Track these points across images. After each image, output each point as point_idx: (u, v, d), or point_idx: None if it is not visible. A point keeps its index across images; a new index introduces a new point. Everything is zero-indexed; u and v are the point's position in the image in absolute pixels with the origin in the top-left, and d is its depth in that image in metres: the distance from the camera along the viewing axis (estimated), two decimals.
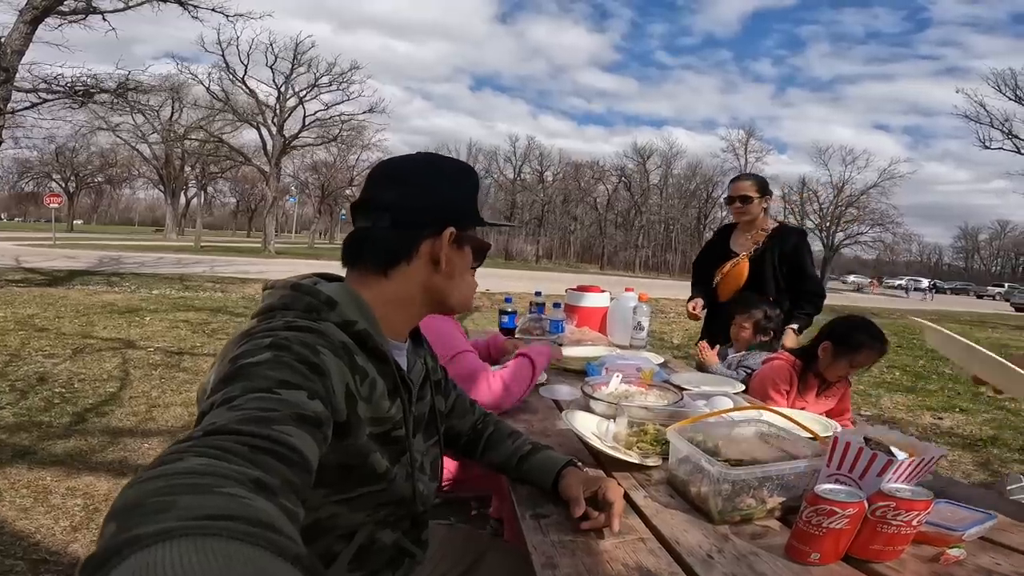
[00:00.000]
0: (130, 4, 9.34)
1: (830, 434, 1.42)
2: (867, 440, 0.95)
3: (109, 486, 2.42)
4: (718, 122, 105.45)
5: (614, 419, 1.31)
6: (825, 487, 0.84)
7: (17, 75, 8.24)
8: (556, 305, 2.46)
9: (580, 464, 1.04)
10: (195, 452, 0.44)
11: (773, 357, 2.14)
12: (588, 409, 1.43)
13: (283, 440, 0.51)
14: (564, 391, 1.69)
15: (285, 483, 0.46)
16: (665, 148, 53.33)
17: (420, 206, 0.83)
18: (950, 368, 7.00)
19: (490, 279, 15.59)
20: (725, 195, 2.73)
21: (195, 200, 45.13)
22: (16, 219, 73.49)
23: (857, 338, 1.99)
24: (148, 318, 6.61)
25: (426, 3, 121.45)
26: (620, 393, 1.48)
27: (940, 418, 4.59)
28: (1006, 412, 4.87)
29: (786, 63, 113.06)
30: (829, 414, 2.08)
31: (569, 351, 2.14)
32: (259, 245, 28.58)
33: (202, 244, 27.41)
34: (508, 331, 2.36)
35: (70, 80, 8.47)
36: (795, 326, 2.53)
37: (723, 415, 1.21)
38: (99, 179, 51.29)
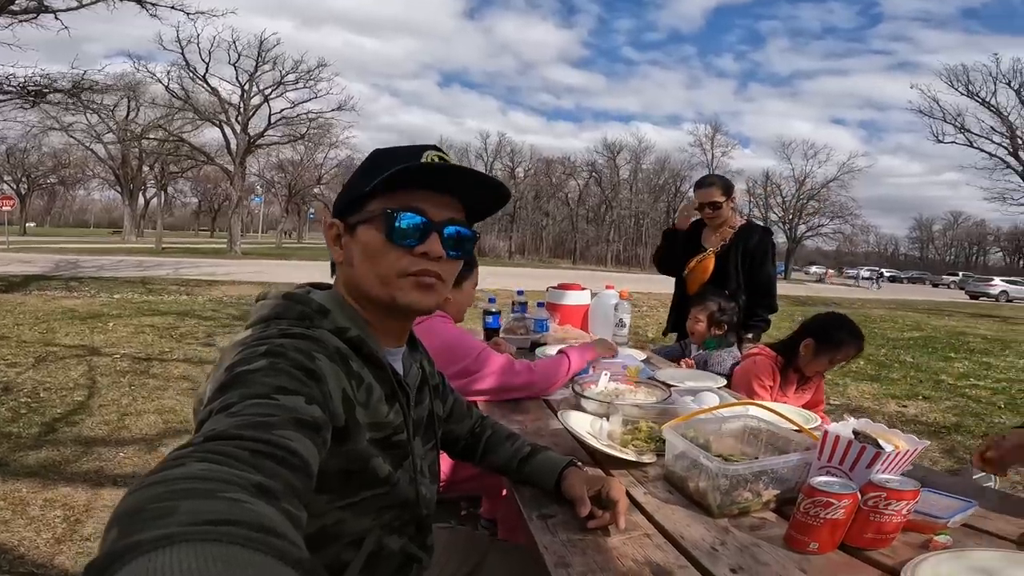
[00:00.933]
0: (84, 3, 8.99)
1: (813, 426, 1.48)
2: (856, 433, 0.99)
3: (88, 496, 2.35)
4: (684, 117, 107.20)
5: (607, 417, 1.33)
6: (820, 479, 0.87)
7: None
8: (540, 304, 2.48)
9: (580, 464, 1.06)
10: (196, 457, 0.44)
11: (755, 352, 2.20)
12: (579, 408, 1.45)
13: (283, 444, 0.51)
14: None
15: (287, 487, 0.46)
16: (634, 143, 54.10)
17: (334, 206, 0.84)
18: (911, 357, 7.30)
19: None
20: (694, 201, 2.77)
21: (155, 201, 43.70)
22: None
23: (838, 336, 2.06)
24: (111, 323, 6.39)
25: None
26: (610, 391, 1.50)
27: (904, 406, 4.79)
28: (967, 399, 5.11)
29: (747, 58, 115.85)
30: (805, 406, 2.16)
31: (554, 350, 2.16)
32: (224, 245, 27.85)
33: (164, 246, 26.60)
34: (493, 331, 2.37)
35: (22, 80, 8.09)
36: (749, 335, 2.64)
37: (713, 411, 1.25)
38: (52, 180, 49.20)
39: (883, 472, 0.96)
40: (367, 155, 0.84)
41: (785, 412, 1.32)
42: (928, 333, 10.21)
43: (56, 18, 8.93)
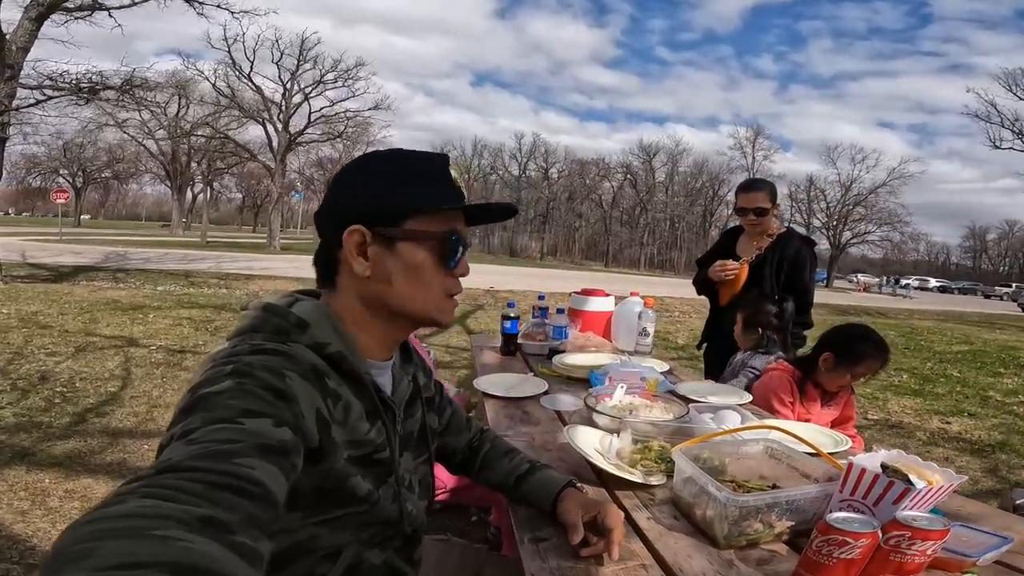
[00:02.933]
0: (136, 1, 9.37)
1: (843, 448, 1.38)
2: (884, 467, 0.91)
3: (107, 488, 2.41)
4: (720, 119, 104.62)
5: (618, 434, 1.27)
6: (838, 516, 0.80)
7: (22, 72, 8.25)
8: (560, 311, 2.42)
9: (580, 485, 1.01)
10: (141, 493, 0.43)
11: (772, 368, 2.10)
12: (591, 422, 1.40)
13: (244, 474, 0.49)
14: (567, 401, 1.66)
15: (245, 518, 0.44)
16: (671, 145, 53.19)
17: (329, 209, 0.78)
18: (958, 371, 6.94)
19: (493, 276, 15.57)
20: (736, 205, 2.63)
21: (201, 196, 45.30)
22: (24, 214, 73.99)
23: (859, 348, 1.95)
24: (152, 315, 6.61)
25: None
26: (624, 406, 1.44)
27: (948, 423, 4.54)
28: (1015, 417, 4.81)
29: (787, 59, 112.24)
30: (834, 422, 2.04)
31: (572, 358, 2.11)
32: (264, 240, 28.63)
33: (208, 239, 27.49)
34: (511, 336, 2.32)
35: (75, 77, 8.49)
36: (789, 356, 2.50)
37: (732, 434, 1.17)
38: (106, 175, 51.47)
39: (911, 508, 0.88)
40: (383, 154, 0.80)
41: (810, 435, 1.24)
42: (977, 347, 9.67)
43: (110, 15, 9.34)
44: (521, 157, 54.06)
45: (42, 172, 46.04)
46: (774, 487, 1.06)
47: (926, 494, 0.89)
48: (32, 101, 8.75)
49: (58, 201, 24.75)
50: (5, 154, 8.61)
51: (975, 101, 23.22)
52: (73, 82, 8.37)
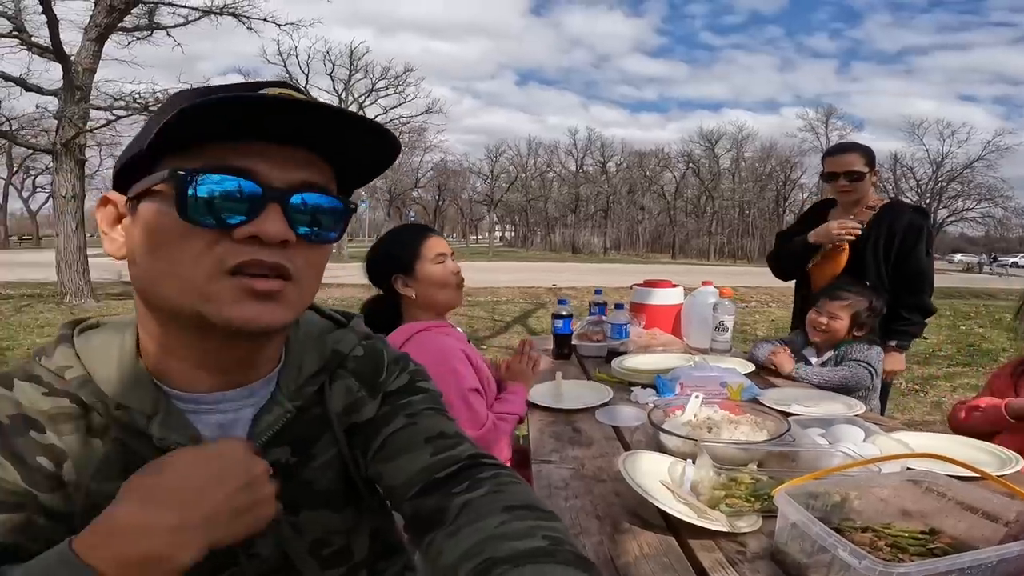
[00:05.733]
0: (189, 19, 9.84)
1: (1014, 471, 1.03)
2: None
3: None
4: (780, 101, 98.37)
5: (693, 460, 0.99)
6: None
7: (92, 93, 8.78)
8: (619, 306, 2.13)
9: None
10: None
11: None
12: (659, 443, 1.12)
13: None
14: (628, 415, 1.38)
15: None
16: (734, 131, 50.72)
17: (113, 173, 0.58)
18: None
19: (556, 274, 15.28)
20: (824, 171, 2.23)
21: None
22: None
23: None
24: None
25: (458, 2, 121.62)
26: (701, 422, 1.15)
27: None
28: None
29: (845, 36, 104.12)
30: None
31: (635, 360, 1.82)
32: (335, 250, 29.76)
33: None
34: (563, 337, 2.06)
35: (142, 96, 8.97)
36: (895, 343, 2.05)
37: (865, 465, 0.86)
38: None
39: None
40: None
41: (958, 450, 0.90)
42: None
43: (168, 35, 9.83)
44: (577, 152, 53.28)
45: None
46: (932, 533, 0.75)
47: None
48: (103, 122, 9.29)
49: None
50: (99, 174, 9.19)
51: None
52: (141, 101, 8.83)
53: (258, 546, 0.58)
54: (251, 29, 10.51)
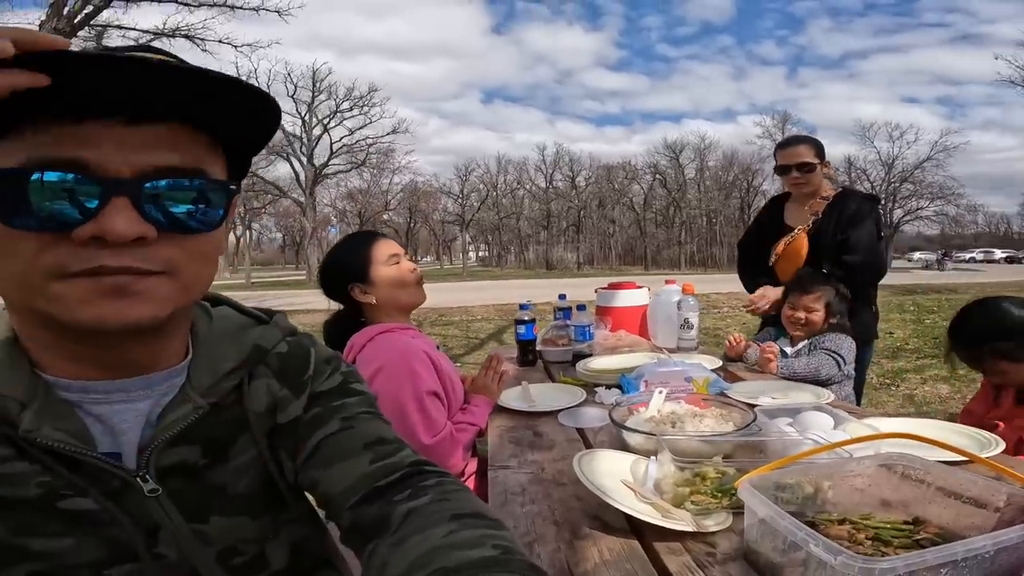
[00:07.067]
0: (139, 42, 9.61)
1: (994, 452, 0.98)
2: None
3: None
4: (737, 110, 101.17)
5: (656, 456, 0.91)
6: None
7: None
8: (580, 308, 2.06)
9: None
10: None
11: None
12: (623, 443, 1.04)
13: None
14: (592, 416, 1.30)
15: None
16: (696, 141, 51.96)
17: None
18: None
19: (530, 289, 15.21)
20: (776, 165, 2.24)
21: (242, 238, 46.92)
22: None
23: None
24: None
25: (419, 23, 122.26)
26: (664, 417, 1.08)
27: None
28: None
29: (790, 43, 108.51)
30: None
31: (600, 362, 1.75)
32: (305, 277, 29.26)
33: (252, 280, 28.28)
34: (527, 344, 1.98)
35: None
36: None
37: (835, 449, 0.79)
38: None
39: None
40: None
41: (937, 433, 0.85)
42: None
43: None
44: (546, 168, 53.75)
45: None
46: (916, 523, 0.69)
47: None
48: None
49: None
50: None
51: (1006, 68, 21.50)
52: None
53: (161, 545, 0.52)
54: (206, 51, 10.36)
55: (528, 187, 54.23)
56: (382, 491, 0.56)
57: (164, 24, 9.66)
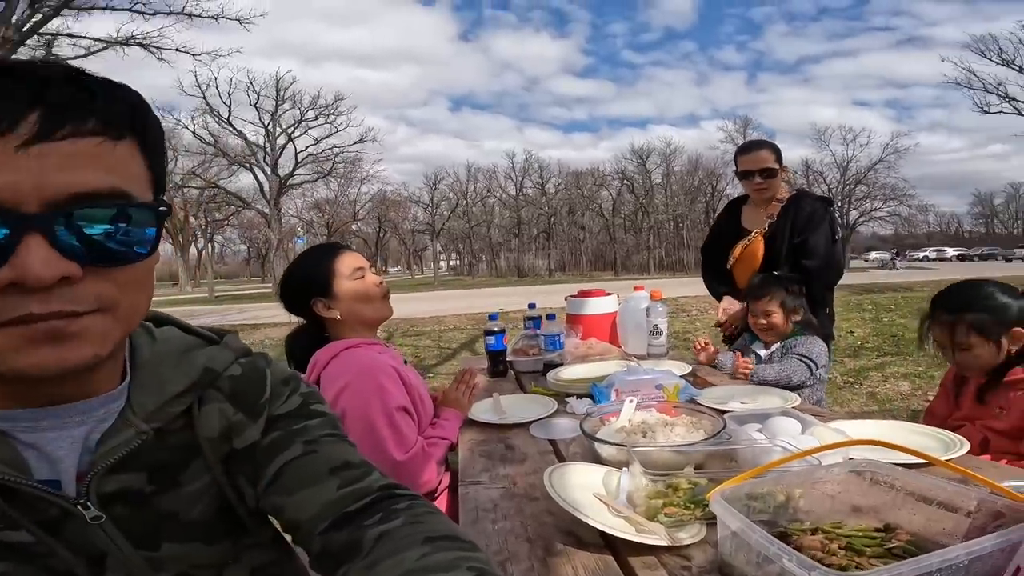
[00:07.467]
0: (92, 50, 9.28)
1: (958, 454, 1.00)
2: None
3: None
4: (700, 115, 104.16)
5: (627, 468, 0.90)
6: None
7: None
8: (550, 317, 2.05)
9: None
10: None
11: None
12: (595, 454, 1.03)
13: None
14: (564, 427, 1.29)
15: None
16: (662, 146, 52.95)
17: None
18: None
19: (502, 298, 15.21)
20: (737, 170, 2.27)
21: (204, 251, 45.69)
22: None
23: None
24: None
25: (385, 30, 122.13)
26: (635, 427, 1.07)
27: None
28: None
29: (749, 48, 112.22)
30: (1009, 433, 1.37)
31: (571, 371, 1.74)
32: (271, 290, 28.61)
33: (216, 294, 27.52)
34: (497, 354, 1.96)
35: None
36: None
37: (806, 457, 0.79)
38: None
39: None
40: None
41: (899, 435, 0.86)
42: None
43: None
44: (516, 175, 54.00)
45: None
46: (888, 530, 0.69)
47: None
48: None
49: None
50: None
51: (952, 70, 22.58)
52: None
53: (109, 572, 0.50)
54: (162, 60, 10.05)
55: (498, 195, 54.35)
56: (351, 516, 0.55)
57: (118, 32, 9.34)
